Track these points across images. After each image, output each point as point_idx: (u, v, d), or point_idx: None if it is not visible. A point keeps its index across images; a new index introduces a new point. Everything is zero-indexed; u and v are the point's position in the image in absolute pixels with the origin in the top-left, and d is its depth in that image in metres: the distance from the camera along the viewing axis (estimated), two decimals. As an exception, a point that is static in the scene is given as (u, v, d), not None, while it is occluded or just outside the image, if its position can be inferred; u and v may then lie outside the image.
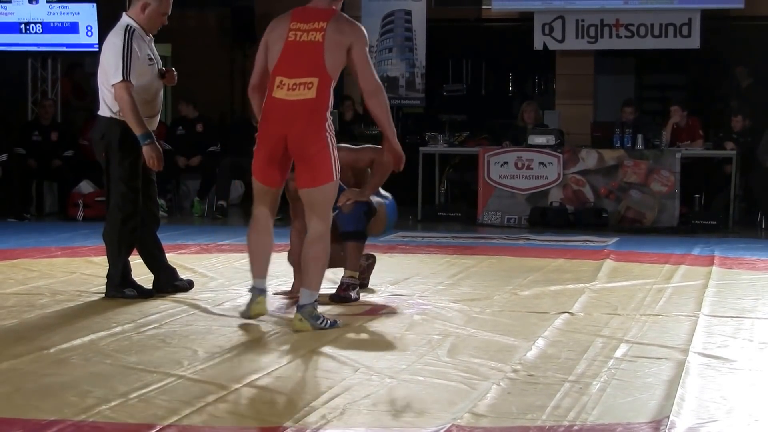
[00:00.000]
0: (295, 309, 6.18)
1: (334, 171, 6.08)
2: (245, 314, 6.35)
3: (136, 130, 6.85)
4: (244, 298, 7.09)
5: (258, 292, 6.33)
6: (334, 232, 6.90)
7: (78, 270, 8.30)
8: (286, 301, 7.02)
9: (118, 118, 6.94)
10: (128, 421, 4.23)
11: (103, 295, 7.10)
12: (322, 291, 6.39)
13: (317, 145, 6.04)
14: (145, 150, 6.87)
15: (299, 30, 6.10)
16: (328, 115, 6.11)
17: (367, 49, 6.16)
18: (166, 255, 7.42)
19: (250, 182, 6.38)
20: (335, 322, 6.19)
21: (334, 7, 6.21)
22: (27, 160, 13.36)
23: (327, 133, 6.06)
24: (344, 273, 7.08)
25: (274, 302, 6.97)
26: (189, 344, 5.67)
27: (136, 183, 7.02)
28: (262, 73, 6.30)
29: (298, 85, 6.03)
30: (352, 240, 7.02)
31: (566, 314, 6.66)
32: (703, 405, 4.58)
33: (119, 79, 6.82)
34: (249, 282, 6.34)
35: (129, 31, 6.91)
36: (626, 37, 14.47)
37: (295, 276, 7.13)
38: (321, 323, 6.08)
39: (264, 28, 6.39)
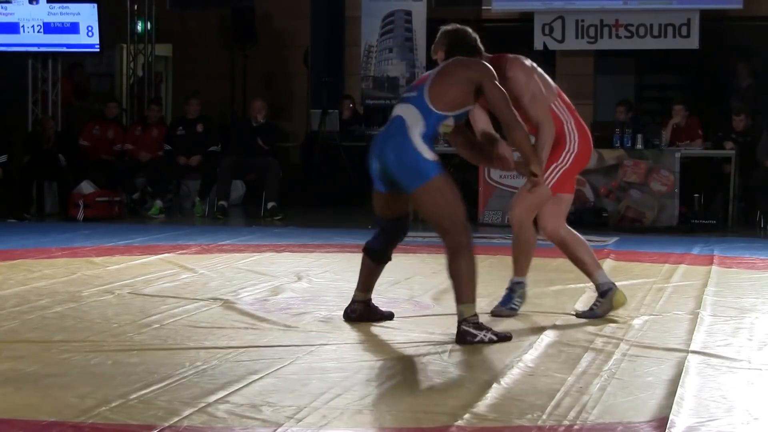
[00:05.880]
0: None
1: None
2: (608, 311, 6.63)
3: None
4: (246, 297, 7.11)
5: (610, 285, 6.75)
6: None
7: (78, 270, 8.30)
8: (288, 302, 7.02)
9: None
10: (128, 422, 4.23)
11: (103, 295, 7.11)
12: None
13: None
14: None
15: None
16: None
17: None
18: (168, 255, 7.42)
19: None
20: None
21: None
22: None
23: None
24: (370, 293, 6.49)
25: (271, 307, 6.99)
26: (189, 344, 5.68)
27: None
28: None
29: None
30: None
31: (567, 314, 6.66)
32: (702, 404, 4.58)
33: None
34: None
35: None
36: (626, 37, 14.48)
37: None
38: None
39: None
